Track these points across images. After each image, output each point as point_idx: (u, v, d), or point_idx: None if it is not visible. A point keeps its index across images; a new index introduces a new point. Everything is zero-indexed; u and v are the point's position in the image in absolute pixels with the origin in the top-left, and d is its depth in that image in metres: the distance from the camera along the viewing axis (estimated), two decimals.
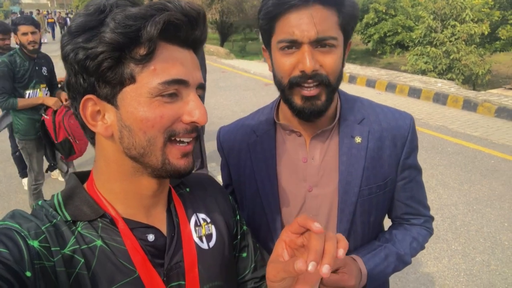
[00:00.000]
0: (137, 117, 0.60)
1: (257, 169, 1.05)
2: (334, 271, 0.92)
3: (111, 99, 0.61)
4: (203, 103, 0.70)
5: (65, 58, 0.60)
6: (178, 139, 0.63)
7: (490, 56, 11.28)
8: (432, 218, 1.13)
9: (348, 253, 1.04)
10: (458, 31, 9.86)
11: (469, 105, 6.87)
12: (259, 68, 11.32)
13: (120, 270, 0.63)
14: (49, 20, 24.79)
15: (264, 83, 9.34)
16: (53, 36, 23.19)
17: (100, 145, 0.66)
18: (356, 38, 15.22)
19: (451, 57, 9.93)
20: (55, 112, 3.17)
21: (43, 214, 0.63)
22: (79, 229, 0.64)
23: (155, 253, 0.68)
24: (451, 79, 9.60)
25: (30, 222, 0.60)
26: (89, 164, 4.44)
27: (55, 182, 4.58)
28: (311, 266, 0.53)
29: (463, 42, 9.90)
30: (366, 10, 13.62)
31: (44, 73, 3.39)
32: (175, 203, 0.75)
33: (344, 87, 1.12)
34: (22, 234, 0.57)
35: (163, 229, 0.71)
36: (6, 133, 4.31)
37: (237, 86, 9.24)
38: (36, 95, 3.32)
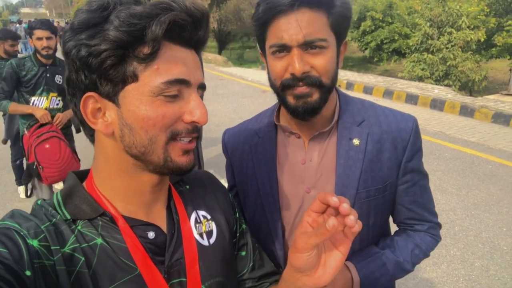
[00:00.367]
0: (138, 116, 0.60)
1: (258, 170, 1.05)
2: None
3: (112, 97, 0.61)
4: None
5: (67, 54, 0.60)
6: (179, 138, 0.64)
7: (487, 63, 11.36)
8: (439, 225, 1.10)
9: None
10: (455, 38, 9.94)
11: (466, 111, 6.89)
12: (256, 76, 11.37)
13: (121, 267, 0.63)
14: None
15: (262, 90, 9.36)
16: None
17: (100, 143, 0.66)
18: (353, 45, 15.31)
19: (447, 63, 10.00)
20: (40, 125, 2.98)
21: (43, 213, 0.63)
22: (79, 227, 0.63)
23: (155, 250, 0.67)
24: (448, 85, 9.65)
25: (30, 222, 0.60)
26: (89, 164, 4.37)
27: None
28: (343, 207, 0.57)
29: (460, 49, 9.97)
30: (363, 18, 13.72)
31: (57, 82, 3.20)
32: (175, 201, 0.76)
33: (351, 95, 1.13)
34: (22, 233, 0.57)
35: (163, 226, 0.71)
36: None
37: (234, 93, 9.26)
38: (42, 103, 3.17)
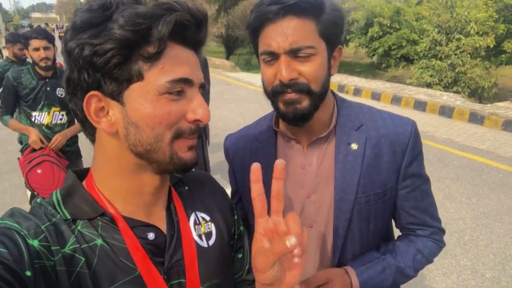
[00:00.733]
0: (144, 114, 0.61)
1: None
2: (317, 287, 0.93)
3: (116, 96, 0.61)
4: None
5: (69, 53, 0.59)
6: (184, 137, 0.65)
7: (496, 69, 11.24)
8: (442, 230, 1.09)
9: (346, 261, 1.03)
10: (463, 44, 9.86)
11: (476, 118, 6.82)
12: None
13: (121, 268, 0.63)
14: (61, 34, 25.13)
15: None
16: None
17: (101, 142, 0.65)
18: (360, 51, 15.28)
19: (456, 70, 9.91)
20: (34, 150, 2.81)
21: (42, 213, 0.62)
22: (79, 227, 0.63)
23: (155, 251, 0.68)
24: (457, 92, 9.56)
25: (30, 221, 0.60)
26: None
27: None
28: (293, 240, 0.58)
29: (468, 55, 9.88)
30: (371, 24, 13.69)
31: (59, 95, 2.95)
32: (175, 202, 0.75)
33: (350, 99, 1.13)
34: (22, 233, 0.57)
35: (163, 227, 0.71)
36: (11, 144, 4.34)
37: (241, 98, 9.28)
38: (44, 119, 2.93)
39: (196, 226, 0.76)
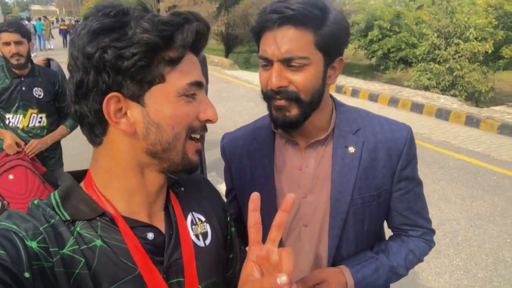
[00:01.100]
0: (166, 114, 0.64)
1: (256, 176, 1.08)
2: (312, 287, 0.95)
3: (137, 97, 0.63)
4: None
5: (88, 56, 0.59)
6: (193, 136, 0.69)
7: (494, 74, 11.31)
8: (432, 231, 1.12)
9: (340, 260, 1.05)
10: (462, 49, 9.93)
11: (472, 121, 6.85)
12: None
13: (121, 268, 0.64)
14: (62, 27, 24.81)
15: None
16: (65, 44, 22.50)
17: (112, 143, 0.66)
18: (360, 53, 15.33)
19: (454, 74, 9.97)
20: (8, 155, 2.47)
21: (41, 214, 0.62)
22: (77, 229, 0.64)
23: (154, 251, 0.69)
24: (454, 95, 9.62)
25: (28, 223, 0.60)
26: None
27: None
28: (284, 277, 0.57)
29: (467, 60, 9.95)
30: (371, 27, 13.73)
31: (37, 96, 2.58)
32: (172, 202, 0.77)
33: (347, 100, 1.15)
34: (20, 235, 0.57)
35: (161, 227, 0.72)
36: None
37: (240, 96, 9.27)
38: (18, 121, 2.55)
39: (193, 226, 0.77)
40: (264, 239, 1.02)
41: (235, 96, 9.28)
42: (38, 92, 2.59)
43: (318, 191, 1.02)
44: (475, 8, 10.59)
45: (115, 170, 0.67)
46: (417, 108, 7.85)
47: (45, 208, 0.64)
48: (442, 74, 10.08)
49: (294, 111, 0.92)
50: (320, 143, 1.02)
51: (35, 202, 0.65)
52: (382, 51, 13.54)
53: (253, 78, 11.63)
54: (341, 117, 1.03)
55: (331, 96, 1.06)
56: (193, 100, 0.67)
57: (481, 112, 7.02)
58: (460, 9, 10.14)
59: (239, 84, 10.87)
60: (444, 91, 10.07)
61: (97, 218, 0.65)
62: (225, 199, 1.06)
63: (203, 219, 0.80)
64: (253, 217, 0.66)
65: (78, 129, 0.71)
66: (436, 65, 10.18)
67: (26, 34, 2.49)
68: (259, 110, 1.01)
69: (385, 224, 1.14)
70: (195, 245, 0.75)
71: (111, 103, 0.62)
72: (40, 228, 0.59)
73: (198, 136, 0.70)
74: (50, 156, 2.74)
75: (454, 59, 10.01)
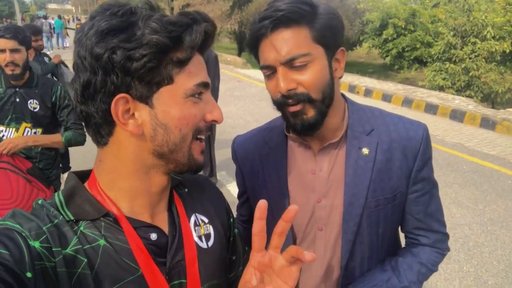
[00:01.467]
0: (174, 116, 0.64)
1: (269, 180, 1.07)
2: None
3: (145, 99, 0.63)
4: None
5: (96, 57, 0.59)
6: (199, 137, 0.69)
7: (511, 75, 11.05)
8: (446, 236, 1.09)
9: (354, 264, 1.03)
10: (479, 48, 9.71)
11: (487, 123, 6.72)
12: None
13: (124, 268, 0.64)
14: (77, 26, 25.19)
15: None
16: None
17: (116, 144, 0.66)
18: (374, 52, 15.13)
19: (470, 74, 9.77)
20: None
21: (44, 214, 0.62)
22: (81, 228, 0.64)
23: (157, 251, 0.69)
24: (469, 96, 9.44)
25: (31, 222, 0.60)
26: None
27: None
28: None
29: (483, 60, 9.73)
30: (385, 26, 13.53)
31: (32, 109, 2.31)
32: (176, 203, 0.77)
33: (360, 100, 1.14)
34: (23, 234, 0.57)
35: (165, 228, 0.72)
36: None
37: (252, 95, 9.28)
38: (11, 136, 2.28)
39: (196, 228, 0.77)
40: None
41: (247, 95, 9.29)
42: (33, 104, 2.33)
43: (333, 195, 1.00)
44: (493, 6, 10.33)
45: (121, 170, 0.67)
46: (431, 109, 7.74)
47: (49, 208, 0.64)
48: (458, 74, 9.89)
49: (310, 113, 0.91)
50: (334, 145, 1.00)
51: (39, 202, 0.65)
52: (396, 50, 13.32)
53: None
54: (354, 117, 1.01)
55: (342, 95, 1.04)
56: (200, 101, 0.67)
57: (497, 114, 6.87)
58: (478, 7, 9.91)
59: (251, 83, 10.87)
60: (459, 91, 9.88)
61: (101, 218, 0.66)
62: (231, 199, 1.05)
63: (206, 220, 0.80)
64: (258, 225, 0.65)
65: None
66: (452, 65, 9.99)
67: (24, 42, 2.25)
68: (271, 109, 1.00)
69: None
70: (198, 246, 0.75)
71: (119, 104, 0.62)
72: (44, 228, 0.59)
73: (203, 137, 0.71)
74: (43, 168, 2.43)
75: (470, 58, 9.80)
